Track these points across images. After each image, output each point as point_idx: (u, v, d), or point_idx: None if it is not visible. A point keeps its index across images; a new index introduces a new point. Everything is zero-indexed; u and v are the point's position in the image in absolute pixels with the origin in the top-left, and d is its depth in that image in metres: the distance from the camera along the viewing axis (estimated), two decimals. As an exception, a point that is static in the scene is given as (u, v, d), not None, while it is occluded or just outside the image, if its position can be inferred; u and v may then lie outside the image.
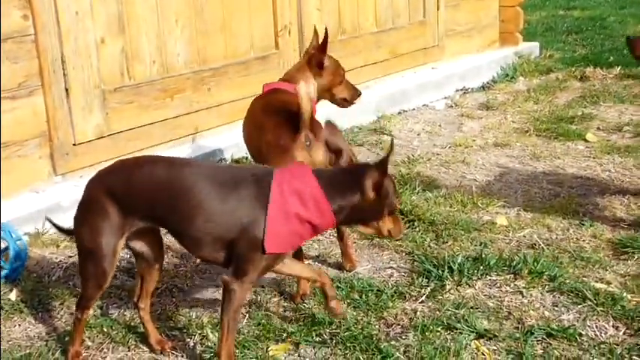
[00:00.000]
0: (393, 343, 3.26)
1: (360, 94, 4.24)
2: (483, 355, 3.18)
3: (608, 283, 3.68)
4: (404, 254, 4.08)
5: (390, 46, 6.96)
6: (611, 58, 8.14)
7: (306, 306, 3.54)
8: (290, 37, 6.01)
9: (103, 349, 3.32)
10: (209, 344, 3.29)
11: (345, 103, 4.21)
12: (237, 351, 3.16)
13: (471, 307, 3.51)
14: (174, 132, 5.30)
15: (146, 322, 3.31)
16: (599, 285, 3.64)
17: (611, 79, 7.55)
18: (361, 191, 2.89)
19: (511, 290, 3.66)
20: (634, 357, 3.12)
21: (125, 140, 4.99)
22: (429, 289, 3.68)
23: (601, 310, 3.44)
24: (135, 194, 2.93)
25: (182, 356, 3.26)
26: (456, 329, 3.32)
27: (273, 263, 2.94)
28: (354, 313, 3.48)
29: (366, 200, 2.90)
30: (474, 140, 6.00)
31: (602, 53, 8.40)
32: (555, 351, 3.17)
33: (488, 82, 7.68)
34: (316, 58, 3.99)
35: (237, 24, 5.64)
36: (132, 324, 3.47)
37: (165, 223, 2.98)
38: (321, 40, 3.97)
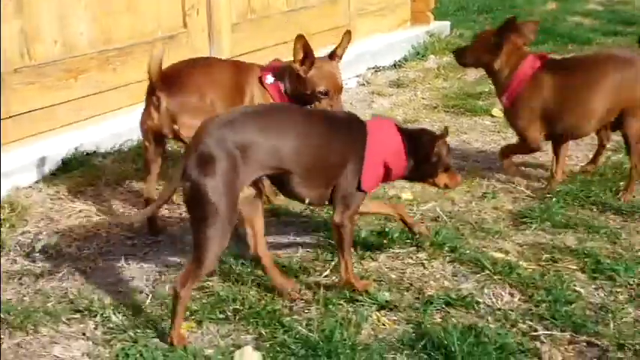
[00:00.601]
0: (295, 317, 3.28)
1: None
2: (384, 325, 3.23)
3: (507, 252, 3.78)
4: (310, 230, 4.09)
5: (301, 26, 6.93)
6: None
7: (210, 284, 3.52)
8: (198, 17, 5.94)
9: None
10: (111, 325, 3.24)
11: None
12: (138, 331, 3.15)
13: (374, 280, 3.56)
14: (80, 113, 5.18)
15: (271, 269, 3.41)
16: (497, 254, 3.74)
17: (518, 57, 7.69)
18: (427, 154, 3.38)
19: (413, 262, 3.73)
20: (527, 321, 3.22)
21: (29, 122, 4.87)
22: (333, 263, 3.70)
23: (498, 279, 3.53)
24: (257, 145, 3.02)
25: (83, 339, 3.21)
26: (359, 301, 3.36)
27: (363, 201, 3.36)
28: (258, 290, 3.48)
29: (429, 162, 3.41)
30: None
31: (511, 31, 8.53)
32: (453, 319, 3.24)
33: (399, 61, 7.75)
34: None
35: (144, 3, 5.54)
36: (30, 308, 3.38)
37: (284, 169, 3.13)
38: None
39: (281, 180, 3.21)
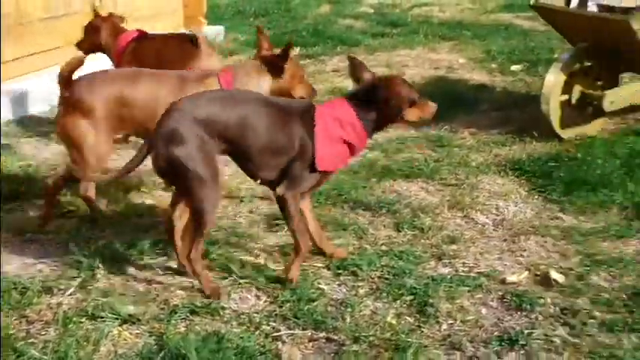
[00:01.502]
0: (31, 340, 3.13)
1: (315, 92, 4.43)
2: (125, 340, 3.15)
3: (256, 255, 3.81)
4: (57, 245, 3.94)
5: (64, 34, 6.70)
6: (294, 39, 8.44)
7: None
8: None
9: None
10: None
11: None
12: None
13: (120, 294, 3.47)
14: None
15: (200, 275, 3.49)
16: (246, 258, 3.76)
17: (289, 60, 7.83)
18: (385, 102, 3.45)
19: (162, 273, 3.67)
20: (271, 322, 3.25)
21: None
22: (79, 280, 3.58)
23: (245, 282, 3.55)
24: (216, 121, 3.32)
25: None
26: (101, 318, 3.27)
27: (322, 180, 3.55)
28: (-6, 315, 3.30)
29: (390, 107, 3.48)
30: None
31: (284, 35, 8.69)
32: (197, 327, 3.22)
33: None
34: (275, 64, 4.14)
35: None
36: None
37: (238, 146, 3.39)
38: (280, 50, 4.15)
39: (238, 158, 3.47)
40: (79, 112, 3.94)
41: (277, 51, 4.19)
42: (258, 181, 3.53)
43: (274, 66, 4.13)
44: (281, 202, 3.46)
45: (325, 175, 3.55)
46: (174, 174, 3.32)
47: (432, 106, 3.62)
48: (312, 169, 3.44)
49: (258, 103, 3.47)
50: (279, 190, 3.44)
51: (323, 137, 3.43)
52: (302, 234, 3.53)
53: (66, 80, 3.96)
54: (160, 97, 3.91)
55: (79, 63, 3.98)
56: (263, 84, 4.09)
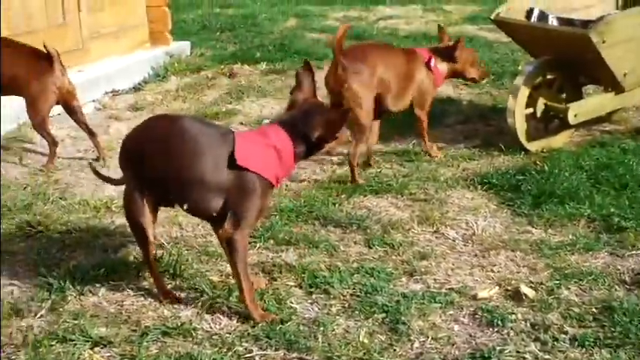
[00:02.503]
0: (1, 365, 3.09)
1: (488, 75, 6.07)
2: (97, 364, 3.13)
3: (227, 275, 3.79)
4: (28, 267, 3.90)
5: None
6: (258, 54, 8.46)
7: None
8: None
9: None
10: None
11: (474, 81, 5.76)
12: None
13: (91, 316, 3.44)
14: None
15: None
16: (216, 278, 3.75)
17: (257, 75, 7.85)
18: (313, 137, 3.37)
19: (134, 294, 3.65)
20: (244, 343, 3.24)
21: None
22: (49, 302, 3.54)
23: (217, 302, 3.53)
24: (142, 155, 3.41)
25: None
26: (72, 341, 3.23)
27: (263, 202, 3.33)
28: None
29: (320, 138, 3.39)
30: (119, 142, 5.87)
31: (251, 50, 8.69)
32: (169, 349, 3.20)
33: (139, 83, 7.63)
34: (449, 53, 5.46)
35: None
36: None
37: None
38: (453, 42, 5.54)
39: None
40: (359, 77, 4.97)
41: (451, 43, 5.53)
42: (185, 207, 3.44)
43: (449, 54, 5.43)
44: (226, 242, 3.35)
45: (264, 192, 3.35)
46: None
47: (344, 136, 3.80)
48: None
49: (179, 130, 3.38)
50: (226, 228, 3.32)
51: (242, 140, 3.34)
52: (247, 276, 3.38)
53: (339, 47, 4.91)
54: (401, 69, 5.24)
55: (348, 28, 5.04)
56: (443, 67, 5.43)
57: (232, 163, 3.29)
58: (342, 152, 5.35)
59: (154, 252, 3.64)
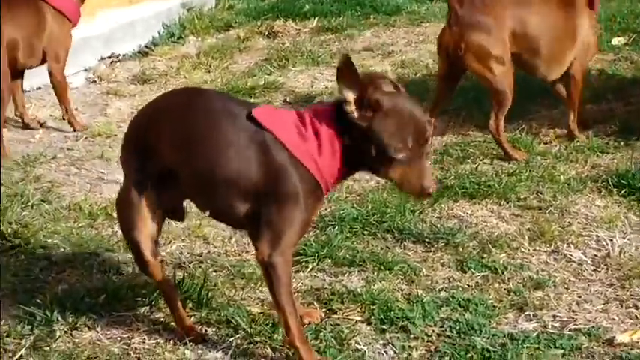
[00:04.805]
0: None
1: None
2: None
3: (271, 305, 3.86)
4: (6, 292, 4.02)
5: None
6: (307, 7, 8.55)
7: None
8: None
9: None
10: None
11: None
12: None
13: (88, 358, 3.54)
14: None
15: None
16: (256, 309, 3.82)
17: (305, 35, 7.93)
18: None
19: (144, 329, 3.74)
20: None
21: None
22: (31, 339, 3.65)
23: (257, 342, 3.60)
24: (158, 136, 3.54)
25: None
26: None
27: (308, 212, 3.33)
28: None
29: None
30: (120, 127, 6.04)
31: (296, 1, 8.78)
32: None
33: (146, 46, 7.81)
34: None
35: None
36: None
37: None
38: None
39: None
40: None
41: None
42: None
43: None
44: (266, 266, 3.34)
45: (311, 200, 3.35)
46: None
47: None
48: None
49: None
50: (263, 250, 3.32)
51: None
52: (291, 313, 3.36)
53: None
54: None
55: None
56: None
57: (268, 154, 3.32)
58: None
59: (161, 273, 3.65)
